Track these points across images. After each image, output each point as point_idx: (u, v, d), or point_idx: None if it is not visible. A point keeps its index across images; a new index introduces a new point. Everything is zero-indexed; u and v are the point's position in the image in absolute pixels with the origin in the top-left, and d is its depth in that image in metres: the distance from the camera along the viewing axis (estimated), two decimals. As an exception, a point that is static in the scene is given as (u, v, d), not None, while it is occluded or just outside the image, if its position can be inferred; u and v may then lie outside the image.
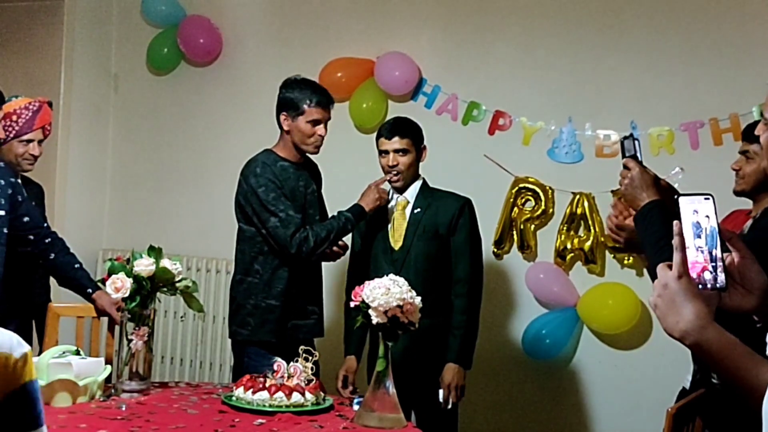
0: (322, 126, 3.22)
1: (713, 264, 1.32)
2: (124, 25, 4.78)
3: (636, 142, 2.23)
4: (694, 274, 1.31)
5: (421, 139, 3.25)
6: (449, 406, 3.09)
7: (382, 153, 3.24)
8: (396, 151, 3.19)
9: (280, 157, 3.23)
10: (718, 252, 1.33)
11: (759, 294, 1.37)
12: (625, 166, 2.19)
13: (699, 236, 1.33)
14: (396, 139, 3.19)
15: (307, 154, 3.32)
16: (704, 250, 1.33)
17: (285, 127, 3.22)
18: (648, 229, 2.06)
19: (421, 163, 3.28)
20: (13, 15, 4.61)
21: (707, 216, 1.34)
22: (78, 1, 4.57)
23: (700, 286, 1.30)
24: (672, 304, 1.27)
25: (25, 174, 3.39)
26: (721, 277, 1.33)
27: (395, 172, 3.21)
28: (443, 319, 3.13)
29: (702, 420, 2.38)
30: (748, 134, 2.73)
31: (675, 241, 1.30)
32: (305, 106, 3.17)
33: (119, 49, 4.80)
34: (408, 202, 3.25)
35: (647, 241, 2.06)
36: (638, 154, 2.20)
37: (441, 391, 3.08)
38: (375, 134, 4.22)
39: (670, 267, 1.29)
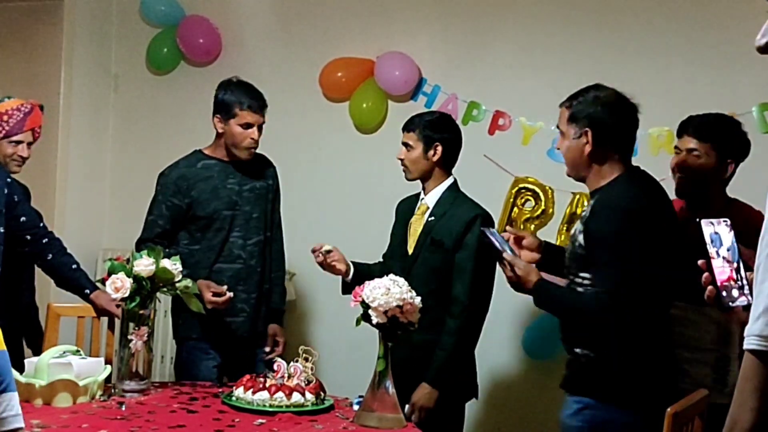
0: (254, 129, 3.22)
1: (740, 281, 1.39)
2: (124, 25, 4.78)
3: (492, 230, 2.66)
4: (724, 292, 1.40)
5: (432, 135, 3.05)
6: (411, 422, 2.98)
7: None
8: (403, 143, 3.11)
9: (206, 156, 3.31)
10: (742, 269, 1.40)
11: None
12: (504, 260, 2.59)
13: (721, 247, 1.40)
14: (403, 133, 3.12)
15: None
16: (730, 261, 1.40)
17: (219, 130, 3.26)
18: (551, 298, 2.62)
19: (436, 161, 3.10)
20: (13, 15, 4.61)
21: (728, 237, 1.42)
22: (78, 1, 4.57)
23: (730, 303, 1.38)
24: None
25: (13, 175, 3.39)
26: (749, 295, 1.39)
27: (402, 167, 3.14)
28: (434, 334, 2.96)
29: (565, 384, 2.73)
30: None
31: (700, 263, 1.40)
32: (237, 109, 3.20)
33: (119, 49, 4.80)
34: (428, 208, 3.09)
35: (555, 306, 2.65)
36: (502, 244, 2.62)
37: (407, 406, 2.89)
38: (375, 134, 4.28)
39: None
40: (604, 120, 2.50)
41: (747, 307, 1.37)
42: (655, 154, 3.85)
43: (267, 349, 3.37)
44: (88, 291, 3.02)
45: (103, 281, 2.77)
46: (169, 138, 4.67)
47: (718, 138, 2.78)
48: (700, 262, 1.40)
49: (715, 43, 3.78)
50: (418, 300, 2.53)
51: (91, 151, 4.71)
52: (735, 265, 1.39)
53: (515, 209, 4.02)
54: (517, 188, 4.02)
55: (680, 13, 3.86)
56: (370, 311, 2.48)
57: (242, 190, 3.30)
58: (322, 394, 2.69)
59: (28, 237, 3.02)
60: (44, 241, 3.05)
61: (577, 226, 2.54)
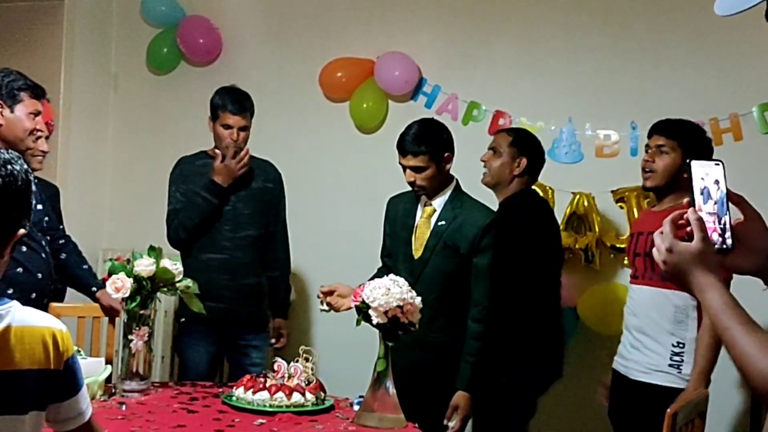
0: (233, 131, 3.40)
1: (720, 226, 1.37)
2: (124, 25, 4.78)
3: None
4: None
5: (442, 149, 3.00)
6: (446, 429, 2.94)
7: (402, 166, 3.06)
8: (412, 168, 3.00)
9: (207, 156, 3.52)
10: (726, 215, 1.37)
11: (762, 254, 1.40)
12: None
13: (705, 200, 1.38)
14: (409, 157, 2.98)
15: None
16: (711, 214, 1.37)
17: (210, 131, 3.50)
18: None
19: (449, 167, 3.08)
20: (13, 15, 4.60)
21: (716, 180, 1.39)
22: (78, 1, 4.57)
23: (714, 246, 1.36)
24: (676, 268, 1.34)
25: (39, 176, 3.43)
26: (729, 240, 1.37)
27: (416, 188, 3.05)
28: (455, 338, 2.96)
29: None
30: (661, 128, 3.04)
31: (690, 211, 1.36)
32: (219, 111, 3.43)
33: (119, 49, 4.80)
34: (435, 211, 3.06)
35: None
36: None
37: (452, 420, 2.90)
38: (376, 134, 4.28)
39: (674, 222, 1.36)
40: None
41: (721, 250, 1.36)
42: (655, 154, 3.85)
43: (273, 341, 3.60)
44: (95, 289, 3.04)
45: (103, 281, 2.77)
46: (169, 138, 4.68)
47: (682, 136, 3.00)
48: (685, 201, 1.38)
49: (715, 44, 3.78)
50: (418, 300, 2.52)
51: (91, 151, 4.70)
52: (721, 210, 1.37)
53: (515, 209, 4.02)
54: (517, 188, 4.01)
55: (681, 14, 3.86)
56: (370, 311, 2.48)
57: (237, 188, 3.46)
58: (322, 394, 2.69)
59: (48, 237, 3.05)
60: (60, 242, 3.12)
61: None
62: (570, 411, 4.03)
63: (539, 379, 3.19)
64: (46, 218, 3.03)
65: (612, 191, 3.88)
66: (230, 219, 3.47)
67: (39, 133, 2.92)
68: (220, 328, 3.46)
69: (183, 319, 3.44)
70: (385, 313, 2.46)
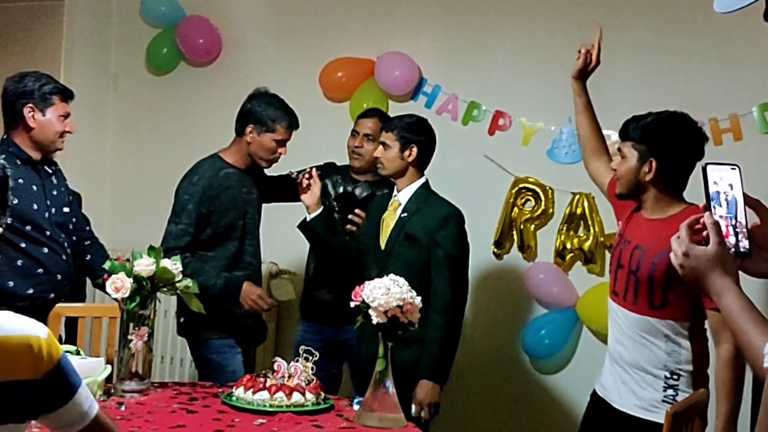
0: (285, 147, 3.33)
1: (736, 230, 1.38)
2: (124, 26, 4.78)
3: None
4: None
5: (410, 137, 3.18)
6: (422, 422, 2.93)
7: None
8: (381, 143, 3.23)
9: (226, 164, 3.32)
10: (742, 219, 1.38)
11: None
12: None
13: (720, 205, 1.39)
14: (382, 132, 3.27)
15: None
16: (726, 218, 1.38)
17: (248, 139, 3.29)
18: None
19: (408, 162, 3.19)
20: (13, 15, 4.61)
21: (732, 184, 1.40)
22: (78, 1, 4.57)
23: (731, 250, 1.37)
24: (693, 273, 1.36)
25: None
26: (745, 242, 1.38)
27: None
28: (419, 330, 2.86)
29: None
30: (622, 131, 2.68)
31: (706, 216, 1.37)
32: (278, 126, 3.28)
33: (119, 49, 4.80)
34: (400, 204, 3.18)
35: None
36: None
37: (413, 407, 2.92)
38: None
39: (691, 226, 1.37)
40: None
41: (738, 254, 1.37)
42: (655, 154, 3.84)
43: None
44: None
45: (103, 281, 2.77)
46: (169, 138, 4.68)
47: (636, 138, 2.61)
48: (701, 205, 1.41)
49: (715, 43, 3.78)
50: (418, 300, 2.53)
51: (91, 151, 4.70)
52: (735, 214, 1.38)
53: (515, 209, 4.02)
54: (517, 188, 4.02)
55: (681, 13, 3.86)
56: (370, 311, 2.48)
57: (251, 198, 3.37)
58: (322, 393, 2.69)
59: (74, 237, 3.18)
60: (86, 243, 3.25)
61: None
62: (568, 410, 4.03)
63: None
64: (74, 219, 3.18)
65: (612, 191, 3.88)
66: (251, 232, 3.36)
67: (67, 135, 3.07)
68: (248, 338, 3.42)
69: (182, 319, 3.39)
70: (385, 312, 2.46)
